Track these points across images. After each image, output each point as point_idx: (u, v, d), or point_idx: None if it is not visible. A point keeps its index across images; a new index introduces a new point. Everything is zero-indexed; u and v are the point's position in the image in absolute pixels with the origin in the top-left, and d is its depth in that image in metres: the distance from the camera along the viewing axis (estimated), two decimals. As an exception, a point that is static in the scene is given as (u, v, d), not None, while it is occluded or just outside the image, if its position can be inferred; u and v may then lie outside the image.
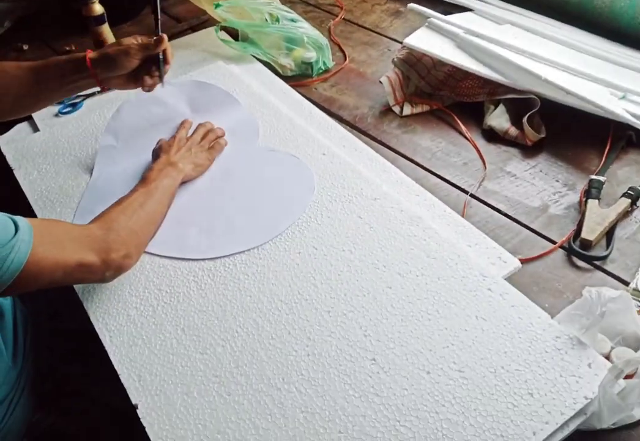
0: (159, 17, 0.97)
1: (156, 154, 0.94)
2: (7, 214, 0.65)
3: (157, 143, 0.97)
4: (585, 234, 0.84)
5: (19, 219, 0.65)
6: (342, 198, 0.88)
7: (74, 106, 1.19)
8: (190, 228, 0.87)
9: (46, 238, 0.67)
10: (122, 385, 0.70)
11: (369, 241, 0.81)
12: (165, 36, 0.93)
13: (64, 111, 1.18)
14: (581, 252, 0.83)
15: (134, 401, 0.68)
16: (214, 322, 0.74)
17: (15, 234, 0.62)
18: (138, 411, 0.67)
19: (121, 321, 0.76)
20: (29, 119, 1.18)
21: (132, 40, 0.92)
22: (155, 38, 0.93)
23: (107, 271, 0.73)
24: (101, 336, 0.75)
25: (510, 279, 0.78)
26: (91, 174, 1.00)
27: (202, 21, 1.47)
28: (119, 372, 0.71)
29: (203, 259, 0.83)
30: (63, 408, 0.89)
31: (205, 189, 0.94)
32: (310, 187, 0.91)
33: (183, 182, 0.92)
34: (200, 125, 1.01)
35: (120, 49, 0.91)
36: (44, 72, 0.91)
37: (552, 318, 0.71)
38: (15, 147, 1.08)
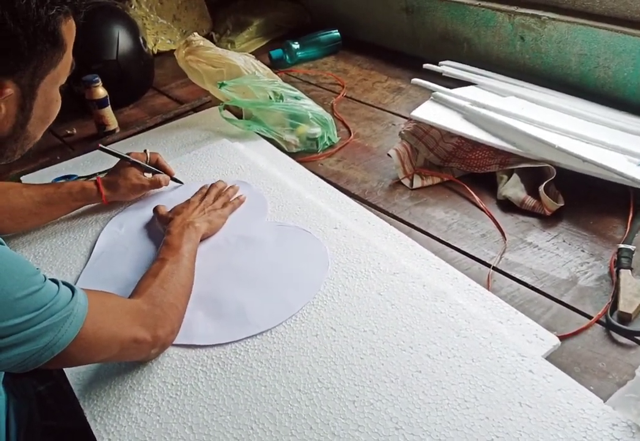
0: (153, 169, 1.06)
1: (170, 217, 0.94)
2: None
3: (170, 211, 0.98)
4: (623, 307, 0.78)
5: (72, 285, 0.62)
6: (359, 274, 0.83)
7: (69, 178, 1.17)
8: (197, 312, 0.81)
9: (102, 307, 0.65)
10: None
11: (392, 319, 0.75)
12: (165, 177, 1.05)
13: (58, 182, 1.15)
14: (621, 326, 0.76)
15: None
16: (226, 418, 0.66)
17: (72, 297, 0.60)
18: None
19: (121, 421, 0.68)
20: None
21: (137, 180, 1.02)
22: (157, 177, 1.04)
23: (153, 348, 0.71)
24: (99, 440, 0.66)
25: (549, 359, 0.71)
26: (89, 256, 0.95)
27: (204, 102, 1.48)
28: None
29: (212, 346, 0.76)
30: None
31: (212, 268, 0.88)
32: (324, 263, 0.85)
33: None
34: (212, 186, 1.03)
35: (131, 187, 1.02)
36: (56, 197, 0.99)
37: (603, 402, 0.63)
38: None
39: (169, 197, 1.05)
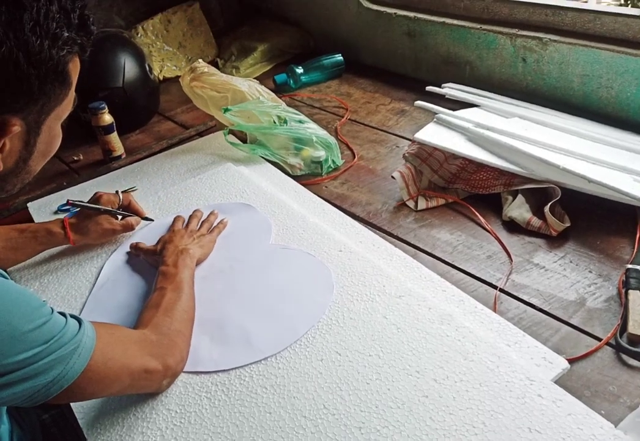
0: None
1: (159, 248, 0.94)
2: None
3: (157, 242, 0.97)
4: (632, 328, 0.77)
5: (79, 317, 0.62)
6: (364, 297, 0.82)
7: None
8: (201, 337, 0.80)
9: (110, 338, 0.64)
10: None
11: (398, 343, 0.74)
12: (137, 219, 1.03)
13: (64, 208, 1.16)
14: (631, 349, 0.75)
15: None
16: (230, 445, 0.65)
17: (80, 328, 0.60)
18: None
19: (125, 450, 0.67)
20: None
21: (108, 225, 0.99)
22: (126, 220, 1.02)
23: (165, 378, 0.71)
24: (102, 469, 0.65)
25: (558, 383, 0.69)
26: (94, 283, 0.94)
27: (209, 127, 1.50)
28: None
29: (216, 372, 0.75)
30: None
31: (216, 293, 0.88)
32: (329, 287, 0.85)
33: None
34: (192, 215, 1.04)
35: (102, 232, 0.99)
36: (20, 242, 0.95)
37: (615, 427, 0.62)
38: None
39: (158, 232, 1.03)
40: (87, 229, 0.98)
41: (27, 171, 0.64)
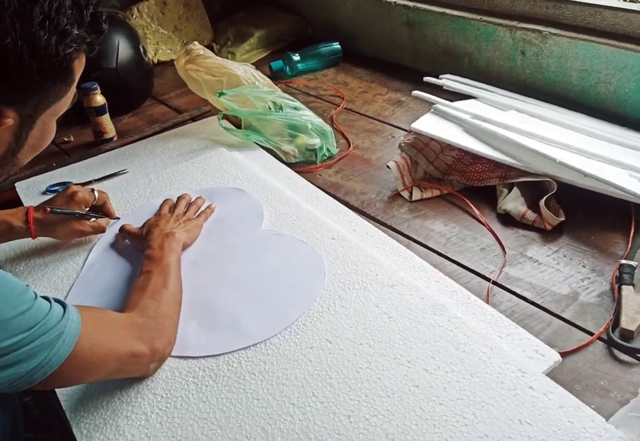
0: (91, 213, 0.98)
1: (145, 231, 0.91)
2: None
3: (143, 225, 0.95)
4: (625, 323, 0.76)
5: (63, 301, 0.60)
6: (357, 285, 0.81)
7: (63, 185, 1.15)
8: (190, 322, 0.79)
9: (96, 323, 0.63)
10: None
11: (389, 332, 0.73)
12: (106, 223, 0.98)
13: (52, 189, 1.13)
14: (623, 344, 0.75)
15: None
16: (217, 432, 0.64)
17: (64, 314, 0.58)
18: None
19: (109, 434, 0.65)
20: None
21: (78, 226, 0.93)
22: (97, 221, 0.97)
23: (152, 361, 0.70)
24: (84, 453, 0.64)
25: (549, 376, 0.69)
26: (83, 265, 0.93)
27: (203, 112, 1.47)
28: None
29: (204, 357, 0.74)
30: None
31: (206, 278, 0.86)
32: (320, 274, 0.84)
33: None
34: (180, 198, 1.02)
35: (70, 231, 0.93)
36: None
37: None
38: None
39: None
40: (53, 227, 0.92)
41: (14, 163, 0.62)
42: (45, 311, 0.56)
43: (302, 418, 0.64)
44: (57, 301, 0.60)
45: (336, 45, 1.67)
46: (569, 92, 1.26)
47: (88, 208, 0.97)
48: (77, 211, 0.93)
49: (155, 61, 1.77)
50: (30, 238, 0.92)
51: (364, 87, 1.55)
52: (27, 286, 0.57)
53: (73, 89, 0.62)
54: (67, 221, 0.93)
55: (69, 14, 0.54)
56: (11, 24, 0.50)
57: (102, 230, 0.97)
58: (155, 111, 1.54)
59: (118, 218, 1.02)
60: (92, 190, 0.97)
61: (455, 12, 1.41)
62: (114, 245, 0.96)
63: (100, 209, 0.99)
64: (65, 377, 0.59)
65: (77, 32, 0.55)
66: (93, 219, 0.96)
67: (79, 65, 0.60)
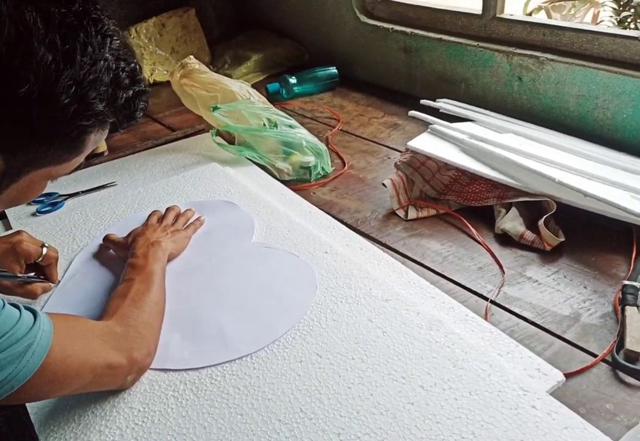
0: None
1: (130, 240, 0.88)
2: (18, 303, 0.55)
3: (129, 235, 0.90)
4: (630, 345, 0.73)
5: (34, 309, 0.56)
6: (349, 299, 0.77)
7: (54, 206, 1.11)
8: (172, 333, 0.74)
9: (69, 332, 0.58)
10: None
11: (383, 347, 0.69)
12: (45, 287, 0.84)
13: (43, 210, 1.10)
14: (628, 365, 0.71)
15: None
16: (196, 448, 0.59)
17: (34, 322, 0.54)
18: None
19: (79, 448, 0.60)
20: (3, 217, 1.09)
21: (7, 282, 0.79)
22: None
23: (129, 374, 0.66)
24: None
25: (552, 396, 0.65)
26: (63, 275, 0.89)
27: (197, 130, 1.46)
28: None
29: (185, 370, 0.69)
30: None
31: (193, 289, 0.83)
32: (311, 287, 0.80)
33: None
34: (168, 209, 0.99)
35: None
36: None
37: (614, 444, 0.57)
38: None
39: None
40: None
41: None
42: (14, 320, 0.52)
43: (288, 435, 0.60)
44: (28, 308, 0.55)
45: (333, 70, 1.67)
46: (566, 118, 1.25)
47: (29, 263, 0.82)
48: (17, 275, 0.80)
49: (151, 81, 1.77)
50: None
51: (360, 110, 1.54)
52: None
53: (79, 159, 0.57)
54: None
55: (102, 91, 0.50)
56: (35, 74, 0.46)
57: (33, 296, 0.82)
58: (148, 128, 1.52)
59: (58, 282, 0.87)
60: (43, 245, 0.84)
61: (452, 38, 1.42)
62: (97, 255, 0.93)
63: (42, 270, 0.84)
64: (35, 391, 0.55)
65: (103, 110, 0.51)
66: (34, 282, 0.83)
67: (96, 139, 0.55)
